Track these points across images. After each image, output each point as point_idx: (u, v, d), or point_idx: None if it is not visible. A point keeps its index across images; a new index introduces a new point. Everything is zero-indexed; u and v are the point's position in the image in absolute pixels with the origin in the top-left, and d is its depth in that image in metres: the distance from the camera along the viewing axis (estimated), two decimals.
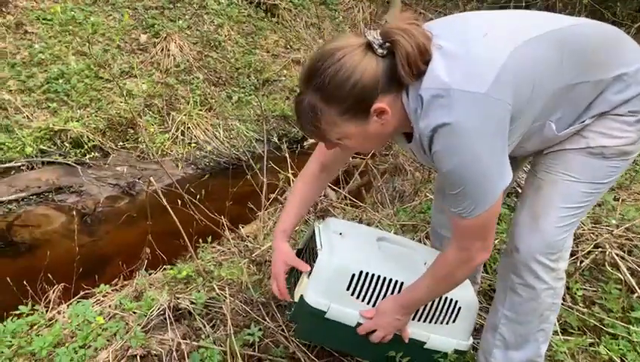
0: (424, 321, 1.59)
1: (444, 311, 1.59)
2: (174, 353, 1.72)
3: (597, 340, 1.96)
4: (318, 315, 1.54)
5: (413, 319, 1.58)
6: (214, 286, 2.17)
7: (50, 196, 4.63)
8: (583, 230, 2.56)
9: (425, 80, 1.21)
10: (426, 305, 1.58)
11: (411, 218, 2.85)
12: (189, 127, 5.75)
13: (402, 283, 1.54)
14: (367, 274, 1.54)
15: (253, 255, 2.49)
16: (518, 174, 1.92)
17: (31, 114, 5.16)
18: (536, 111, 1.33)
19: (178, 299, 1.99)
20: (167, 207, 1.98)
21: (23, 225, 4.36)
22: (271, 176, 3.58)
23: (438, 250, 1.99)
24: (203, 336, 1.89)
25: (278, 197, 3.81)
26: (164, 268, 2.63)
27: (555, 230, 1.45)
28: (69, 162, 4.88)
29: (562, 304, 1.89)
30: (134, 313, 2.06)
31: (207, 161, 5.60)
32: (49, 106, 5.28)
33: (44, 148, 4.95)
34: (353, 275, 1.53)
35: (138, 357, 1.62)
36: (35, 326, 2.16)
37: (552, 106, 1.35)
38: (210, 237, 2.80)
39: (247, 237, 2.84)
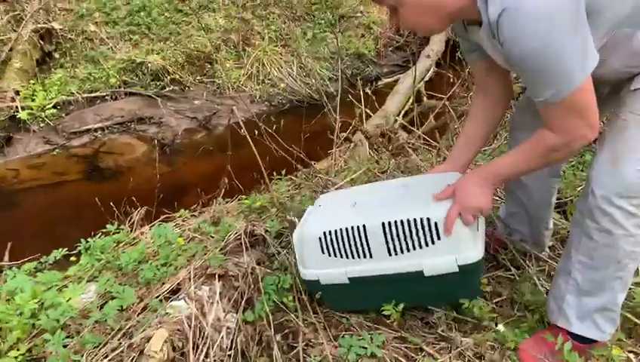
0: (403, 253, 1.52)
1: (418, 233, 1.49)
2: (249, 276, 1.79)
3: None
4: (317, 285, 1.63)
5: (390, 255, 1.53)
6: (288, 216, 2.21)
7: (132, 126, 4.85)
8: None
9: None
10: (394, 236, 1.51)
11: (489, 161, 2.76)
12: (263, 64, 5.77)
13: (364, 225, 1.53)
14: (329, 231, 1.57)
15: (324, 189, 2.52)
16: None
17: (115, 45, 5.35)
18: (622, 12, 1.24)
19: (254, 226, 2.06)
20: (247, 136, 2.01)
21: (107, 152, 4.62)
22: (343, 115, 3.56)
23: (512, 192, 1.93)
24: (275, 263, 1.95)
25: (350, 136, 3.79)
26: (240, 198, 2.72)
27: (636, 172, 1.35)
28: (150, 94, 5.05)
29: None
30: (212, 237, 2.16)
31: (281, 98, 5.63)
32: (131, 39, 5.45)
33: (127, 79, 5.14)
34: (320, 239, 1.58)
35: (217, 276, 1.70)
36: (121, 244, 2.31)
37: None
38: (284, 171, 2.85)
39: (320, 172, 2.86)
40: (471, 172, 1.55)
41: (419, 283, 1.54)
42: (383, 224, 1.50)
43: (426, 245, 1.49)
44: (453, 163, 1.70)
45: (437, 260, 1.49)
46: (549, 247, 2.07)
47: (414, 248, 1.50)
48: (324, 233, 1.58)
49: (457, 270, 1.49)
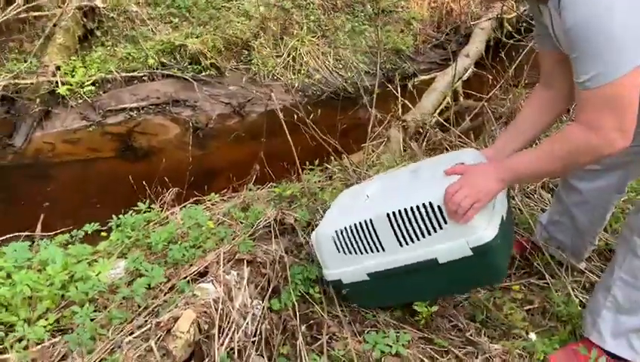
0: (413, 242, 1.46)
1: (423, 219, 1.43)
2: (277, 264, 1.78)
3: None
4: (341, 285, 1.65)
5: (401, 246, 1.48)
6: (318, 208, 2.19)
7: (167, 108, 4.89)
8: None
9: None
10: (401, 226, 1.46)
11: None
12: (300, 54, 5.74)
13: (371, 219, 1.50)
14: (340, 230, 1.57)
15: (358, 180, 2.49)
16: None
17: (155, 27, 5.40)
18: None
19: (284, 214, 2.04)
20: (283, 123, 1.99)
21: (141, 132, 4.67)
22: (378, 110, 3.52)
23: (563, 201, 1.87)
24: (303, 253, 1.94)
25: (383, 131, 3.75)
26: (270, 186, 2.71)
27: None
28: (187, 77, 5.08)
29: None
30: (241, 223, 2.15)
31: (315, 89, 5.60)
32: (171, 21, 5.49)
33: (165, 61, 5.17)
34: (333, 238, 1.59)
35: (245, 262, 1.69)
36: (151, 223, 2.33)
37: None
38: (316, 161, 2.83)
39: (351, 165, 2.83)
40: (489, 162, 1.49)
41: (437, 272, 1.49)
42: (388, 215, 1.47)
43: (434, 231, 1.43)
44: (495, 151, 1.61)
45: (448, 245, 1.43)
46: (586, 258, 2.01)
47: (423, 236, 1.45)
48: (336, 232, 1.58)
49: (471, 253, 1.41)
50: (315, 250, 1.70)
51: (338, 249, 1.60)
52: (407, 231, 1.46)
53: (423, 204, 1.42)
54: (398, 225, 1.47)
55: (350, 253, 1.58)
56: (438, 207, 1.40)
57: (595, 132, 1.20)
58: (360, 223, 1.53)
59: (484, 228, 1.40)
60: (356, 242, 1.56)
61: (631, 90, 1.15)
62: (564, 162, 1.31)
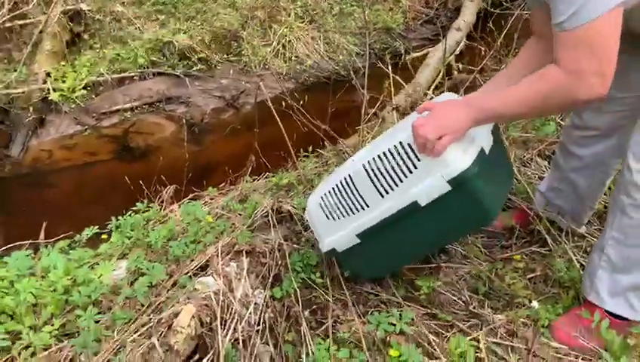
0: (393, 189, 1.42)
1: (397, 162, 1.40)
2: (276, 252, 1.79)
3: None
4: (336, 254, 1.65)
5: (382, 197, 1.45)
6: None
7: (161, 106, 4.87)
8: None
9: None
10: (377, 175, 1.43)
11: (524, 132, 2.67)
12: (289, 40, 5.70)
13: (350, 175, 1.51)
14: (325, 195, 1.60)
15: None
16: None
17: (142, 25, 5.36)
18: None
19: (281, 202, 2.05)
20: (273, 110, 1.98)
21: (137, 132, 4.66)
22: (371, 91, 3.50)
23: (561, 168, 1.86)
24: (303, 239, 1.94)
25: (378, 111, 3.73)
26: (267, 176, 2.71)
27: None
28: (178, 73, 5.05)
29: None
30: (240, 215, 2.16)
31: (307, 75, 5.56)
32: (158, 18, 5.44)
33: (155, 59, 5.13)
34: (320, 205, 1.62)
35: (244, 252, 1.70)
36: (151, 222, 2.34)
37: None
38: (310, 147, 2.83)
39: (346, 148, 2.83)
40: (462, 99, 1.45)
41: (423, 218, 1.44)
42: (364, 166, 1.46)
43: (410, 171, 1.39)
44: (477, 95, 1.56)
45: (426, 184, 1.37)
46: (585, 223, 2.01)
47: (401, 180, 1.41)
48: (322, 198, 1.61)
49: (449, 188, 1.35)
50: (310, 224, 1.71)
51: (327, 215, 1.61)
52: (385, 178, 1.43)
53: (394, 146, 1.40)
54: (375, 175, 1.45)
55: (338, 217, 1.58)
56: (409, 145, 1.37)
57: (574, 75, 1.16)
58: (340, 182, 1.54)
59: (459, 159, 1.33)
60: (340, 203, 1.56)
61: (609, 31, 1.11)
62: (539, 104, 1.26)
